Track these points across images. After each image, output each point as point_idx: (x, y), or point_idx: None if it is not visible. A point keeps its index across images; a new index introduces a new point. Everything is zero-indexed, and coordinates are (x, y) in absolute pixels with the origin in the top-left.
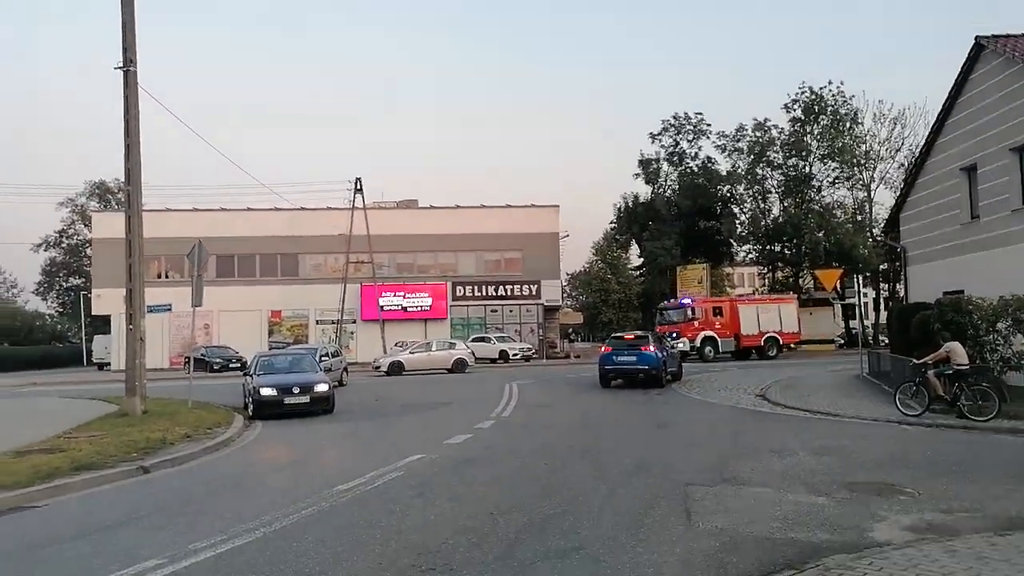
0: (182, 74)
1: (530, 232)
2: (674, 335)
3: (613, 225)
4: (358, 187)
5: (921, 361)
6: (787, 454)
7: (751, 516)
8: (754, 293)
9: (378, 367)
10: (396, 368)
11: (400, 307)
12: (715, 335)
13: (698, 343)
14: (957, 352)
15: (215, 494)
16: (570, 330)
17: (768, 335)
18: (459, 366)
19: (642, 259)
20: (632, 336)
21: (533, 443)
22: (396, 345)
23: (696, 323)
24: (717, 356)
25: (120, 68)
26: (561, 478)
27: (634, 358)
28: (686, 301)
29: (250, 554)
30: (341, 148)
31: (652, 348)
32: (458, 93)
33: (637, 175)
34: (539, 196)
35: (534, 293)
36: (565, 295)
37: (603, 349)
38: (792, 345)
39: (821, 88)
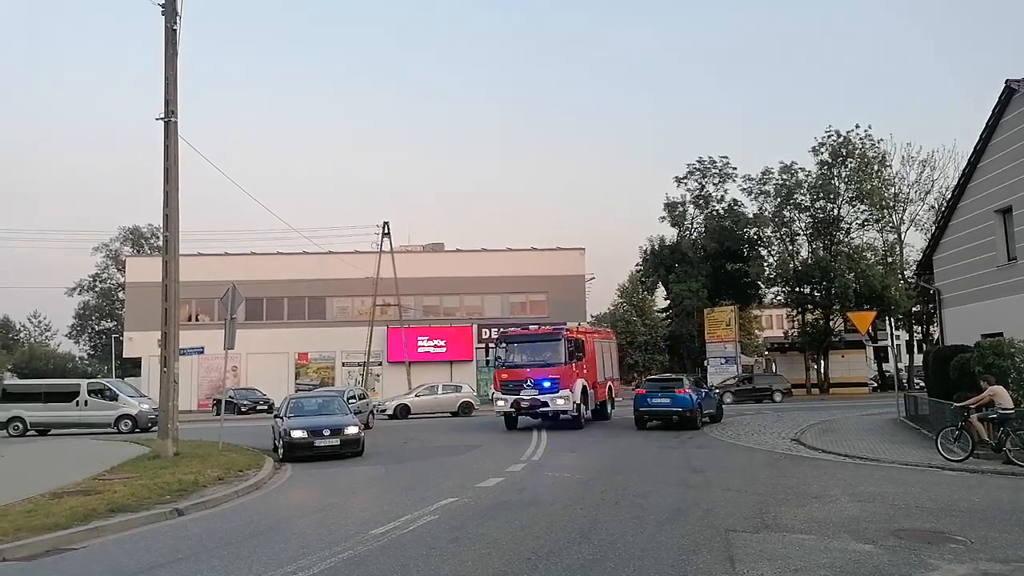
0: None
1: (555, 275)
2: (546, 383)
3: (639, 267)
4: (385, 231)
5: (963, 404)
6: (828, 500)
7: (797, 564)
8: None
9: (383, 410)
10: (402, 411)
11: (426, 350)
12: (586, 383)
13: (578, 397)
14: (1001, 395)
15: (250, 537)
16: None
17: (608, 385)
18: (464, 409)
19: (668, 301)
20: (667, 378)
21: (566, 487)
22: (421, 387)
23: (576, 366)
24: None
25: (161, 119)
26: (598, 523)
27: (668, 400)
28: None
29: None
30: (368, 193)
31: (687, 390)
32: (483, 137)
33: (663, 218)
34: (564, 239)
35: None
36: None
37: (637, 392)
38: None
39: (848, 131)
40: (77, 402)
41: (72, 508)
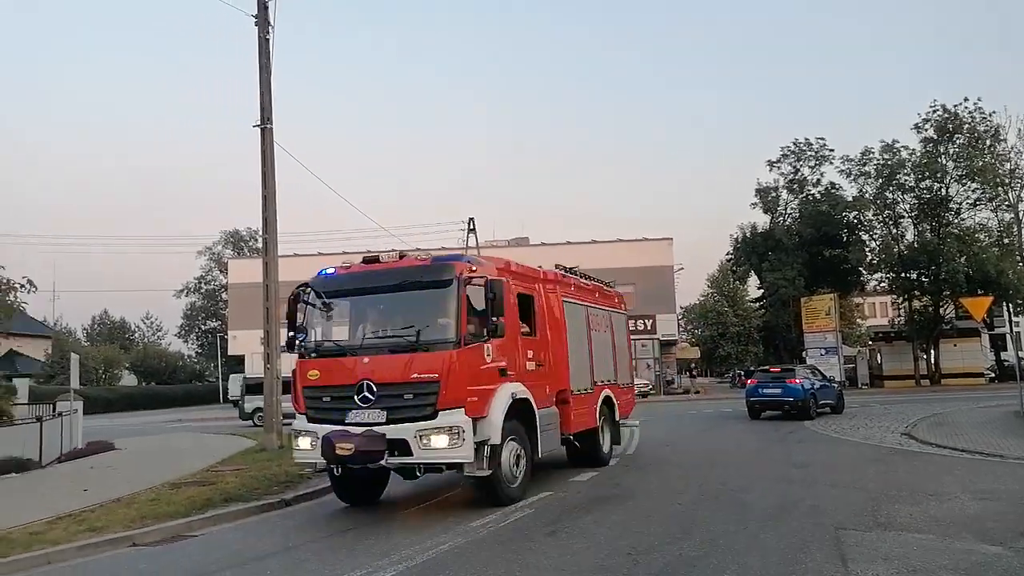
0: (296, 117)
1: (643, 266)
2: (407, 395)
3: (730, 256)
4: (471, 227)
5: None
6: (947, 498)
7: (915, 564)
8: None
9: None
10: None
11: None
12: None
13: (493, 433)
14: None
15: (355, 528)
16: (692, 365)
17: (604, 395)
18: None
19: (762, 290)
20: (778, 368)
21: (662, 481)
22: None
23: (489, 352)
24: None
25: (258, 126)
26: (698, 518)
27: (779, 390)
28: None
29: None
30: (453, 188)
31: (798, 380)
32: (565, 126)
33: (754, 204)
34: (651, 229)
35: (649, 328)
36: (681, 329)
37: (748, 382)
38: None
39: (955, 106)
40: None
41: (190, 497)
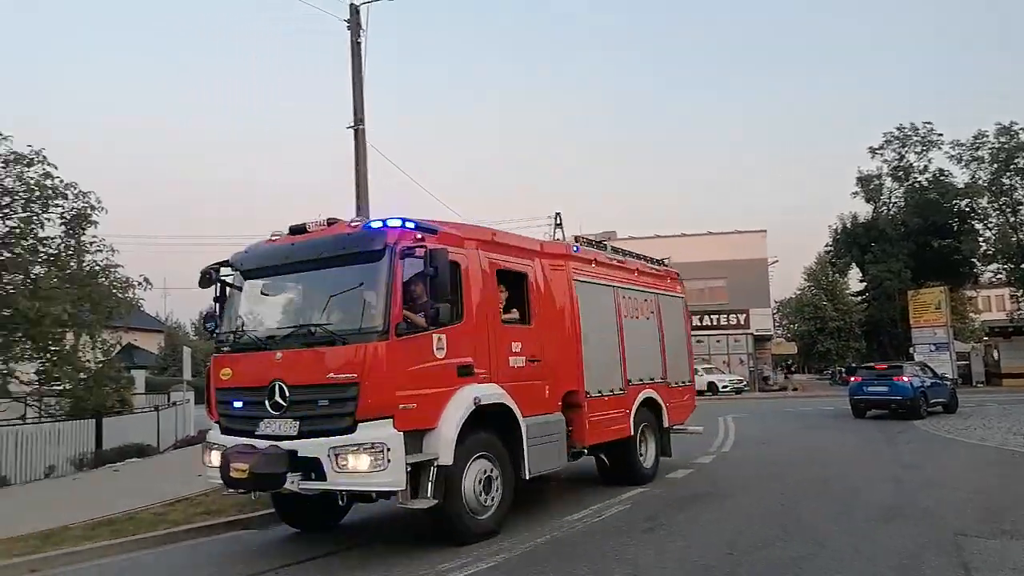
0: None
1: (735, 259)
2: (322, 402)
3: (829, 248)
4: (558, 222)
5: None
6: None
7: None
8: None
9: None
10: None
11: None
12: (510, 399)
13: (445, 452)
14: None
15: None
16: (789, 361)
17: (644, 397)
18: None
19: (864, 284)
20: (885, 365)
21: (761, 479)
22: None
23: (431, 342)
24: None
25: (351, 127)
26: (801, 518)
27: (886, 388)
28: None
29: None
30: (538, 184)
31: (907, 378)
32: (650, 118)
33: (855, 193)
34: (744, 221)
35: (742, 322)
36: (776, 324)
37: (851, 379)
38: (678, 427)
39: None
40: None
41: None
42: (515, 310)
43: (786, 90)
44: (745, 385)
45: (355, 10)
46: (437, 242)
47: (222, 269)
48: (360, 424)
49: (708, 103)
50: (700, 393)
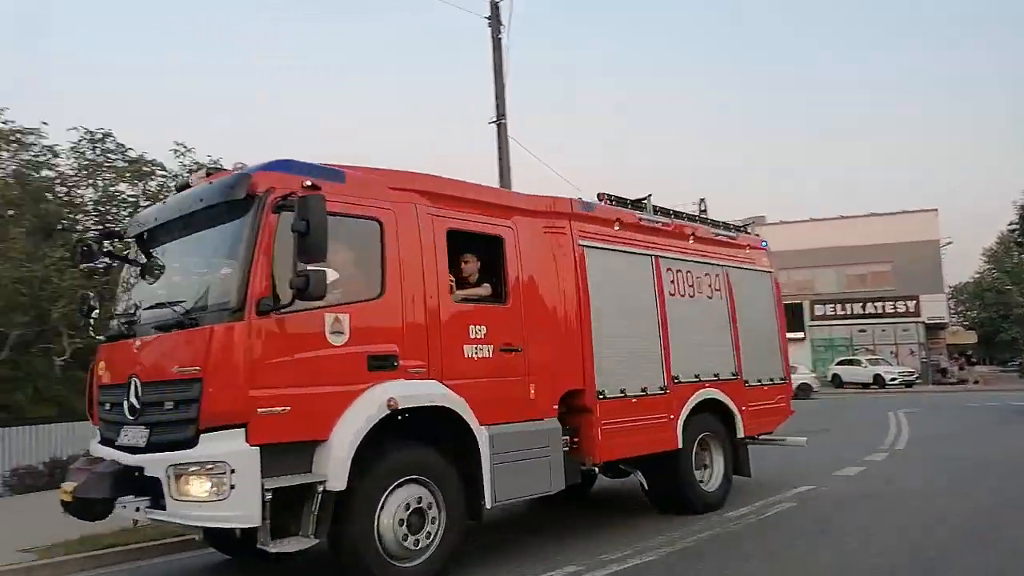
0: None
1: (902, 241)
2: (168, 405)
3: (1013, 227)
4: (702, 207)
5: None
6: None
7: None
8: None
9: None
10: None
11: None
12: (458, 401)
13: (346, 477)
14: None
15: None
16: (969, 351)
17: (701, 398)
18: (801, 391)
19: None
20: None
21: (942, 481)
22: None
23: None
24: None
25: (493, 122)
26: (1000, 524)
27: None
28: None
29: (655, 572)
30: (680, 170)
31: None
32: (806, 95)
33: None
34: (911, 200)
35: (911, 310)
36: (951, 311)
37: None
38: (764, 437)
39: None
40: None
41: None
42: (486, 284)
43: (972, 59)
44: (917, 377)
45: (495, 5)
46: (342, 193)
47: (106, 241)
48: (202, 435)
49: (881, 72)
50: (865, 386)
